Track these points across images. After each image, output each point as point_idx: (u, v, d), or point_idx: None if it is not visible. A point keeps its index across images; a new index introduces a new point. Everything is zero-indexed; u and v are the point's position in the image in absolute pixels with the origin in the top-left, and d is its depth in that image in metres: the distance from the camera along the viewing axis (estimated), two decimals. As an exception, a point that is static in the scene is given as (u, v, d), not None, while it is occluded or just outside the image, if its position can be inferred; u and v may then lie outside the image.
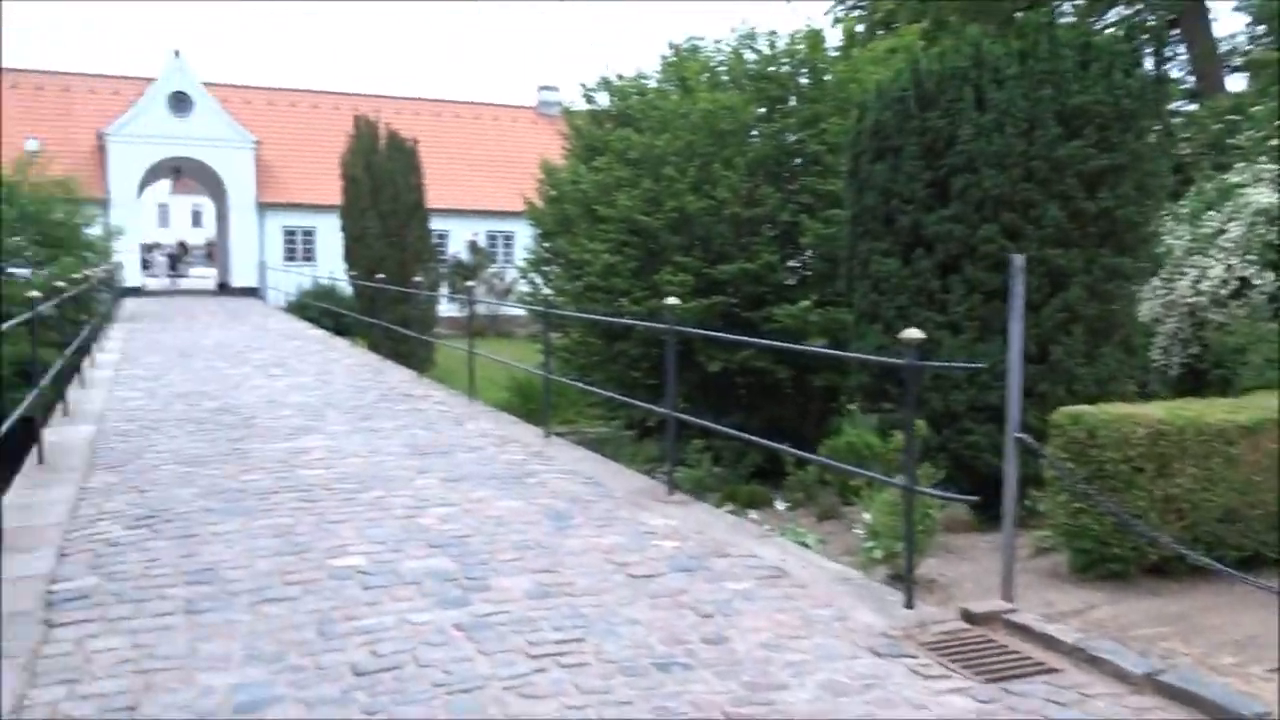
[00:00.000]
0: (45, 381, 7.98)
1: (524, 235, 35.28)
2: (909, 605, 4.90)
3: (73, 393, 10.98)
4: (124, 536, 5.63)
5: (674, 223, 12.26)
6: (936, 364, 6.74)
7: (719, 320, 12.41)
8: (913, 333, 4.72)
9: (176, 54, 34.79)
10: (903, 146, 8.14)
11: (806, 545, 7.39)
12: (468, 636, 4.29)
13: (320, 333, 20.73)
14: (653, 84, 14.11)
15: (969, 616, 4.86)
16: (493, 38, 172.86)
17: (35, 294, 8.26)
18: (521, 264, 17.47)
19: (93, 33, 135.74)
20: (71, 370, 12.00)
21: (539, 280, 15.66)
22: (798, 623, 4.63)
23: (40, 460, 7.60)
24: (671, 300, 6.79)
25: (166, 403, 10.66)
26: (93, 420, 9.48)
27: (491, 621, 4.47)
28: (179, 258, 53.74)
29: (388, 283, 17.49)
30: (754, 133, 12.80)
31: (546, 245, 15.32)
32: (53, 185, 21.39)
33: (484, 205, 37.63)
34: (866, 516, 7.05)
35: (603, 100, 14.54)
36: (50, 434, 8.58)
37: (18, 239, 20.27)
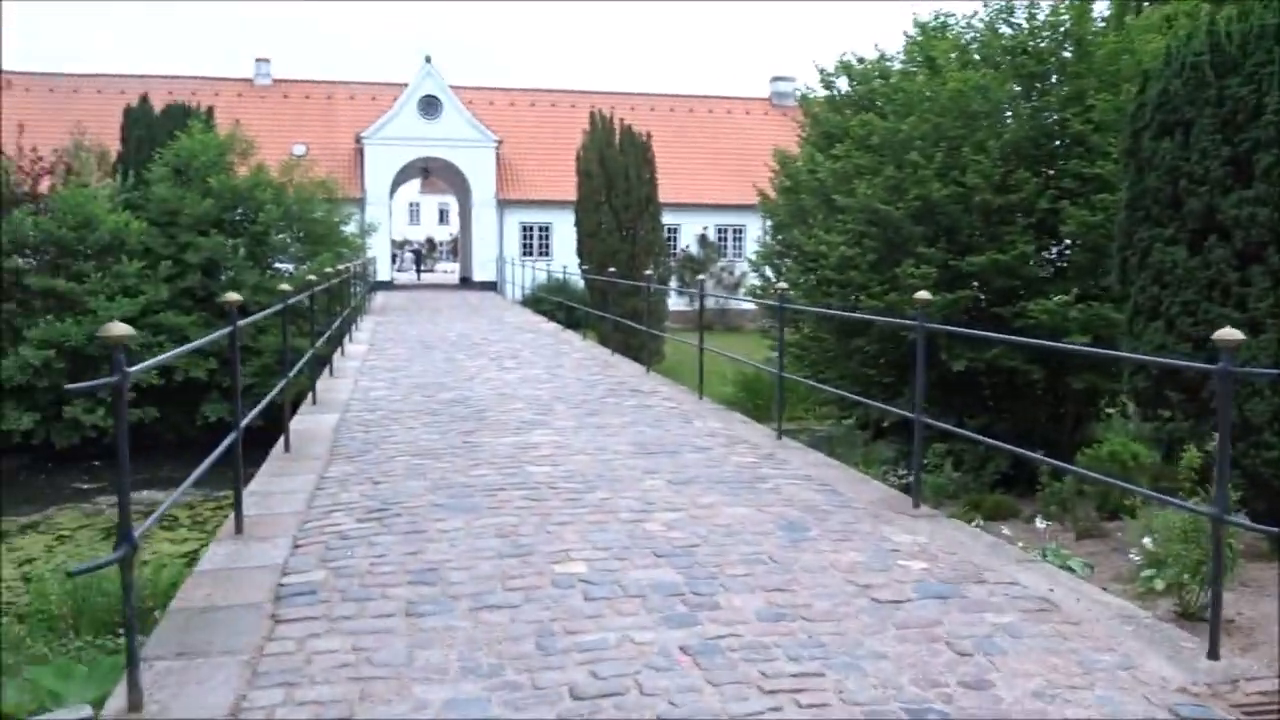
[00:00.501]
0: (293, 372, 8.25)
1: (754, 229, 34.95)
2: (1213, 656, 4.11)
3: (322, 382, 11.47)
4: (355, 530, 5.62)
5: (917, 212, 11.48)
6: (1265, 371, 5.73)
7: (963, 316, 11.55)
8: (1230, 333, 3.93)
9: (427, 59, 36.62)
10: (1195, 119, 7.12)
11: (1071, 569, 6.59)
12: (695, 662, 3.91)
13: (553, 326, 21.10)
14: (896, 66, 13.32)
15: (1292, 675, 4.03)
16: (728, 29, 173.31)
17: (286, 287, 8.58)
18: (752, 257, 17.05)
19: (352, 40, 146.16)
20: (323, 360, 12.59)
21: (771, 274, 15.19)
22: (1075, 669, 3.96)
23: (286, 448, 7.87)
24: (923, 294, 6.15)
25: (406, 393, 10.95)
26: (338, 409, 9.82)
27: (721, 646, 4.06)
28: (424, 254, 56.84)
29: (619, 277, 17.50)
30: (1008, 114, 11.82)
31: (779, 238, 14.84)
32: (315, 186, 22.85)
33: (714, 199, 37.50)
34: (1146, 541, 6.18)
35: (842, 85, 13.87)
36: (297, 422, 8.91)
37: (283, 236, 21.80)
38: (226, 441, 5.50)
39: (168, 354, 4.86)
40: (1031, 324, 10.87)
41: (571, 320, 21.13)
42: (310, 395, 10.42)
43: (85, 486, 16.30)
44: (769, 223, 15.34)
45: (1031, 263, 11.47)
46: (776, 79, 42.97)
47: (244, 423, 5.81)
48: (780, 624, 4.31)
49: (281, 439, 7.98)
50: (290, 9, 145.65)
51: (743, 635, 4.17)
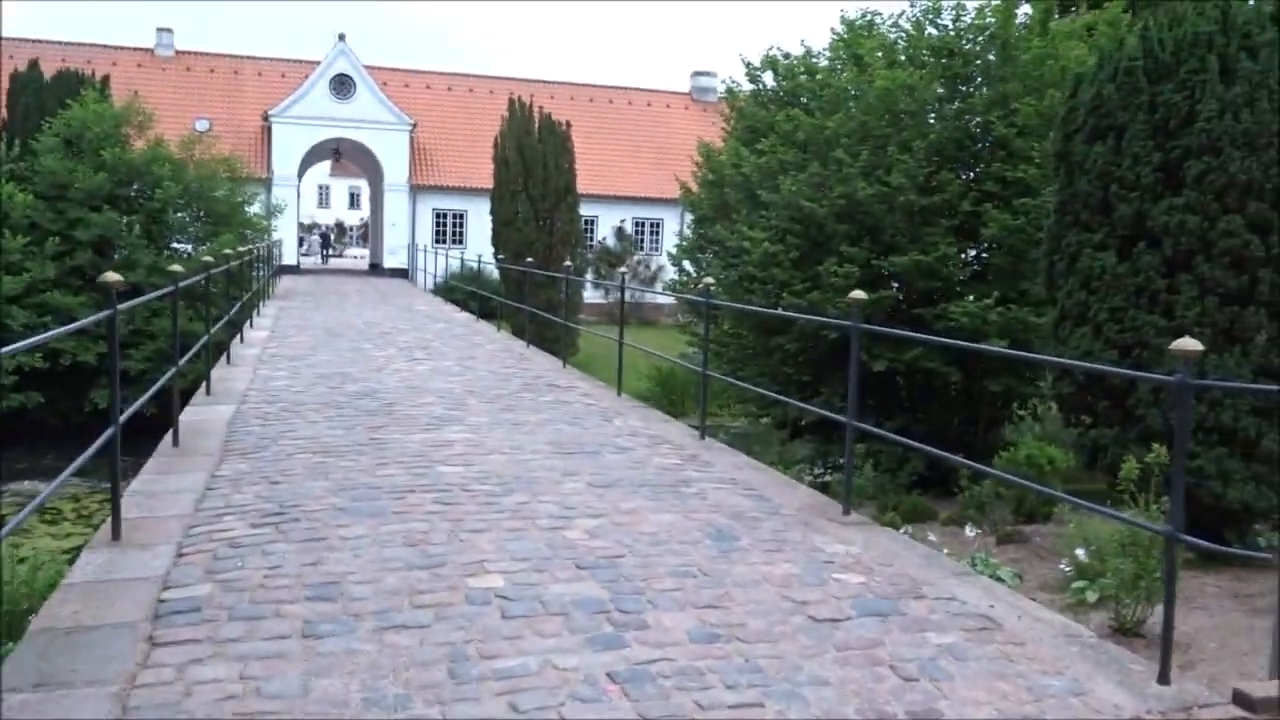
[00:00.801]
0: (185, 359, 7.67)
1: (672, 223, 34.80)
2: (1163, 680, 3.94)
3: (218, 370, 10.82)
4: (247, 536, 5.14)
5: (841, 210, 11.34)
6: (1226, 383, 5.61)
7: (882, 316, 11.47)
8: (1188, 343, 3.76)
9: (341, 37, 35.48)
10: (1127, 124, 7.04)
11: (1001, 580, 6.46)
12: (624, 691, 3.58)
13: (465, 316, 20.54)
14: (822, 63, 13.16)
15: (1243, 700, 3.87)
16: (649, 23, 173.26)
17: (177, 268, 7.96)
18: (671, 251, 16.77)
19: (261, 14, 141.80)
20: (220, 347, 11.90)
21: (691, 268, 14.94)
22: (1025, 695, 3.75)
23: (175, 443, 7.28)
24: (857, 294, 5.92)
25: (309, 384, 10.38)
26: (234, 400, 9.22)
27: (651, 672, 3.74)
28: (332, 238, 55.38)
29: (535, 267, 17.07)
30: (933, 115, 11.75)
31: (701, 232, 14.60)
32: (217, 163, 21.86)
33: (633, 191, 37.21)
34: (1080, 553, 6.07)
35: (768, 80, 13.67)
36: (189, 414, 8.33)
37: (182, 215, 20.80)
38: (104, 437, 4.97)
39: (25, 341, 4.32)
40: (951, 326, 10.82)
41: (485, 311, 20.61)
42: (205, 385, 9.79)
43: (-41, 476, 15.25)
44: (690, 217, 15.09)
45: (952, 265, 11.43)
46: (698, 74, 42.81)
47: (126, 415, 5.27)
48: (714, 646, 4.00)
49: (170, 432, 7.40)
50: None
51: (675, 659, 3.86)
